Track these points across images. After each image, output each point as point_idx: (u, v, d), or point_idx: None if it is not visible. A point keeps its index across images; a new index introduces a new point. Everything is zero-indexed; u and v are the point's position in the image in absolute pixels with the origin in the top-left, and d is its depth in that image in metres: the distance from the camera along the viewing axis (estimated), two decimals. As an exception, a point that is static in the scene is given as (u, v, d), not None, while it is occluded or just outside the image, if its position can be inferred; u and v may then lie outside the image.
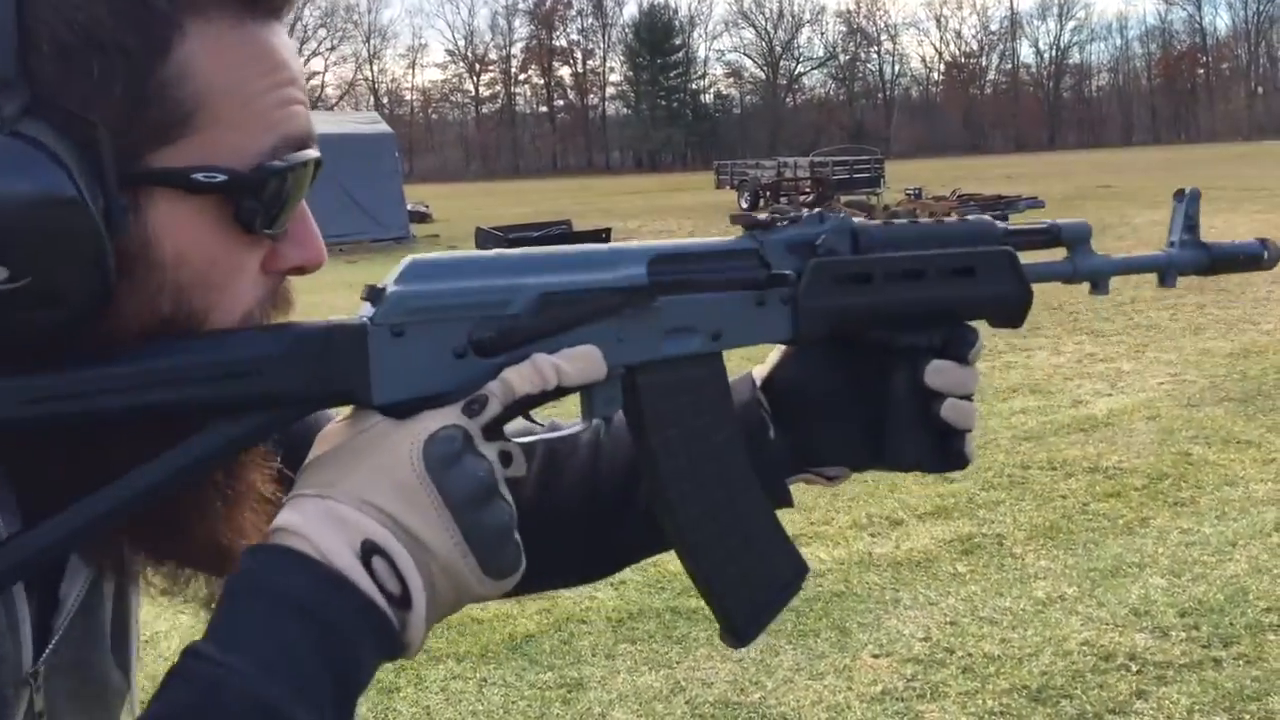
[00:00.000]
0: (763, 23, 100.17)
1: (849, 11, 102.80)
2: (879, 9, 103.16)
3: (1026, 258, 0.94)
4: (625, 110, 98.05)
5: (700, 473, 0.82)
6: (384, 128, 22.45)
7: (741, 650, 3.54)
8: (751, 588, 0.85)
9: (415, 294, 0.72)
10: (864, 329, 0.89)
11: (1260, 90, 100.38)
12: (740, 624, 0.84)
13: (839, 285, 0.85)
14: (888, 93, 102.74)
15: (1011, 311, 0.93)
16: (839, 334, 0.88)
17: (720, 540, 0.83)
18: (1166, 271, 1.03)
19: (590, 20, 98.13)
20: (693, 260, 0.81)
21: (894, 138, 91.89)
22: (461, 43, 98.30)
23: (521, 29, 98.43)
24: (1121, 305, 10.10)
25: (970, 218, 0.94)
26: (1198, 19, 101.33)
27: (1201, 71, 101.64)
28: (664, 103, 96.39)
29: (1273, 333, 8.55)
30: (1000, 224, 0.95)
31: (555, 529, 0.94)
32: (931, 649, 3.68)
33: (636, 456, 0.84)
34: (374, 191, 20.48)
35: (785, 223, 0.86)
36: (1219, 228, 16.79)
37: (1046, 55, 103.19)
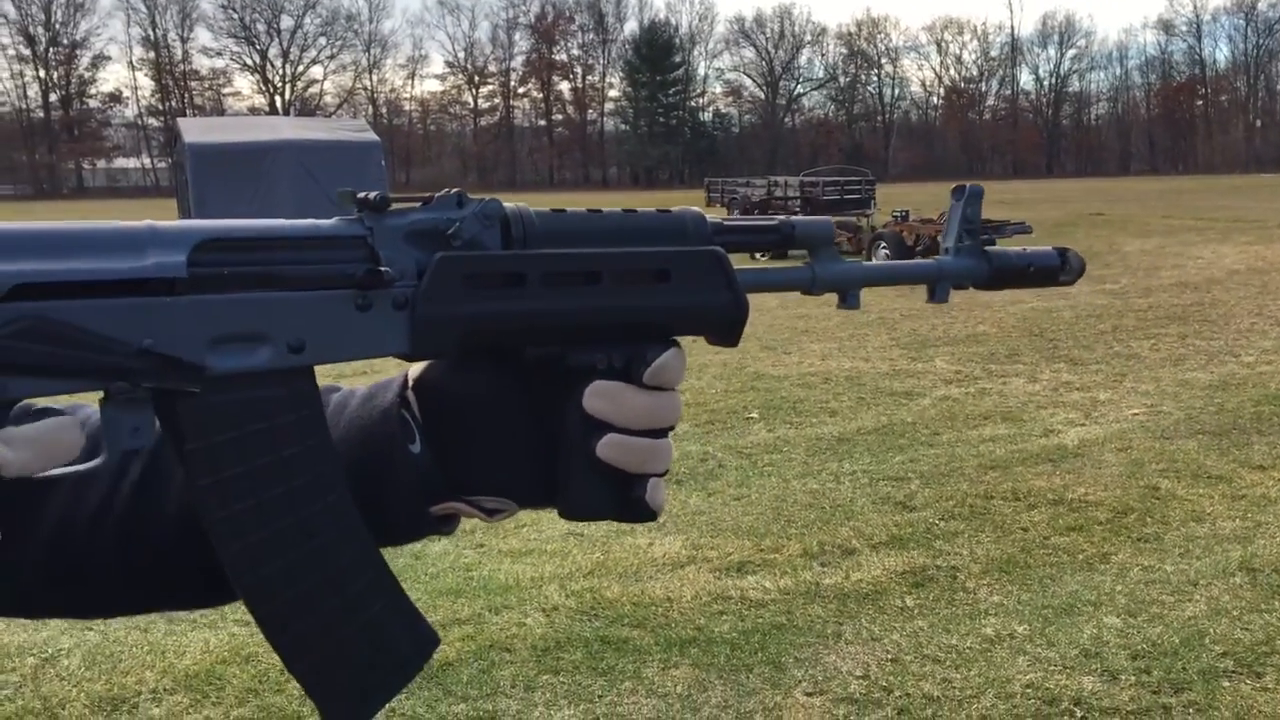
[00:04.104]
0: (763, 42, 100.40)
1: (850, 34, 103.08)
2: (880, 32, 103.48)
3: (763, 263, 0.77)
4: (623, 126, 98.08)
5: (276, 525, 0.64)
6: (370, 136, 22.04)
7: (668, 685, 3.36)
8: (353, 668, 0.68)
9: None
10: (516, 344, 0.72)
11: (1259, 124, 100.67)
12: (338, 713, 0.67)
13: (475, 288, 0.68)
14: (887, 116, 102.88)
15: (721, 326, 0.76)
16: (480, 349, 0.71)
17: (308, 609, 0.66)
18: (937, 283, 0.88)
19: (591, 36, 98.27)
20: (264, 247, 0.63)
21: (891, 160, 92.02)
22: (461, 55, 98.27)
23: (522, 42, 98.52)
24: (1103, 334, 9.94)
25: (675, 209, 0.77)
26: (1198, 51, 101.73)
27: (1200, 103, 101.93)
28: (662, 119, 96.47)
29: (1253, 365, 8.39)
30: (713, 219, 0.78)
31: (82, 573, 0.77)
32: (869, 688, 3.49)
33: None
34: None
35: (413, 204, 0.69)
36: (1206, 258, 16.68)
37: (1046, 83, 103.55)
